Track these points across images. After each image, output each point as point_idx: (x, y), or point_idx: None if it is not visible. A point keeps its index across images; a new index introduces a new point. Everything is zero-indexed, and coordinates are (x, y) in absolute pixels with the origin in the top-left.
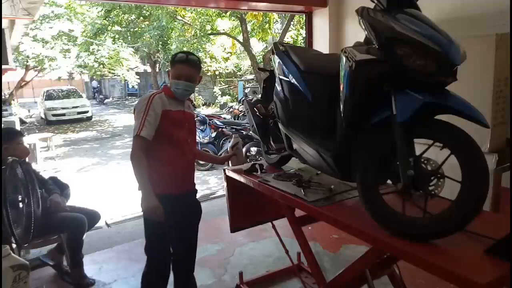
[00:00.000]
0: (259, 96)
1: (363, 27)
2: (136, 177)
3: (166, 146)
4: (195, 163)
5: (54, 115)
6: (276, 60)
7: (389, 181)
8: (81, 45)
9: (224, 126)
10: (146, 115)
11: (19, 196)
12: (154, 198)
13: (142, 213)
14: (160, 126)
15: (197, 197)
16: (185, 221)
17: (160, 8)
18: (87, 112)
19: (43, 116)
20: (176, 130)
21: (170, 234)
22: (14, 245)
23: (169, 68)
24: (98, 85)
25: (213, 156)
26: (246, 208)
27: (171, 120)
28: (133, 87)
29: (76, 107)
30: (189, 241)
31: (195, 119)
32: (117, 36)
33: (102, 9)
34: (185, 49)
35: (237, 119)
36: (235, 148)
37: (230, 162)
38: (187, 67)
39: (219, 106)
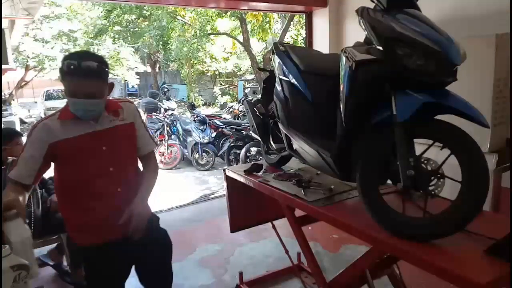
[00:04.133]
0: (259, 96)
1: (363, 27)
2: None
3: (73, 189)
4: (195, 163)
5: None
6: (276, 60)
7: (389, 181)
8: (82, 45)
9: (224, 126)
10: (23, 150)
11: None
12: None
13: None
14: (58, 163)
15: (155, 227)
16: (145, 265)
17: (160, 8)
18: None
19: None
20: (80, 163)
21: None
22: None
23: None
24: None
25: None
26: (246, 208)
27: (68, 153)
28: (133, 87)
29: None
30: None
31: (195, 119)
32: (117, 36)
33: (103, 10)
34: (185, 49)
35: (237, 119)
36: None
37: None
38: (83, 79)
39: (219, 106)
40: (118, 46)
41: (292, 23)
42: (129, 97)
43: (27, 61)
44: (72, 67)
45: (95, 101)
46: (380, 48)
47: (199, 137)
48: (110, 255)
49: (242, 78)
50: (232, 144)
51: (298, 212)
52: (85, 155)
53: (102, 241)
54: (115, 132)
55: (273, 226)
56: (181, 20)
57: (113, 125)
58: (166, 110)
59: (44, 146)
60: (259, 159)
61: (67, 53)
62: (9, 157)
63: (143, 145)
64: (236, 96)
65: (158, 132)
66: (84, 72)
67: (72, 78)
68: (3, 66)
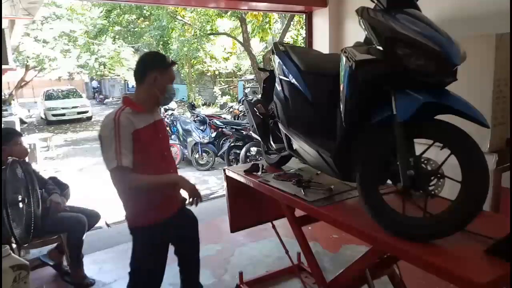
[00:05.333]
0: (259, 96)
1: (363, 27)
2: (149, 187)
3: (142, 172)
4: (196, 163)
5: (54, 115)
6: (276, 60)
7: (389, 181)
8: (82, 46)
9: (224, 126)
10: (119, 141)
11: (19, 196)
12: (178, 178)
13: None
14: (133, 151)
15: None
16: (186, 239)
17: (160, 8)
18: (87, 112)
19: (43, 116)
20: (149, 150)
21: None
22: (14, 245)
23: (154, 73)
24: (98, 85)
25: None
26: (246, 208)
27: (142, 141)
28: (133, 86)
29: (76, 107)
30: (194, 258)
31: (195, 119)
32: (117, 36)
33: (103, 10)
34: (185, 49)
35: (237, 119)
36: None
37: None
38: (173, 69)
39: (219, 106)
40: (119, 46)
41: (292, 23)
42: None
43: (27, 61)
44: (169, 60)
45: None
46: (380, 48)
47: (199, 137)
48: (166, 230)
49: (242, 78)
50: (232, 144)
51: (298, 212)
52: (151, 142)
53: (165, 216)
54: (161, 124)
55: (273, 226)
56: (181, 20)
57: (158, 118)
58: (166, 110)
59: (130, 135)
60: (259, 159)
61: (153, 51)
62: (9, 157)
63: None
64: (236, 96)
65: None
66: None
67: (171, 68)
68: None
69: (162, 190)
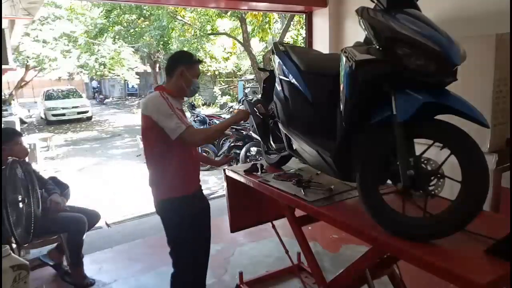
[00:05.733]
0: (259, 96)
1: (363, 27)
2: (217, 133)
3: (175, 147)
4: None
5: (54, 115)
6: (276, 60)
7: (389, 181)
8: (83, 46)
9: None
10: (176, 112)
11: (19, 196)
12: (237, 114)
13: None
14: None
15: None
16: (203, 218)
17: (160, 8)
18: (87, 112)
19: (43, 116)
20: None
21: (194, 234)
22: (14, 245)
23: (181, 68)
24: (98, 85)
25: (211, 159)
26: (246, 208)
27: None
28: (133, 87)
29: (76, 107)
30: (208, 239)
31: (195, 119)
32: (117, 36)
33: (103, 10)
34: (185, 49)
35: None
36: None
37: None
38: (199, 66)
39: (219, 106)
40: (119, 47)
41: (292, 23)
42: (129, 97)
43: (27, 61)
44: (196, 58)
45: None
46: (380, 48)
47: None
48: (196, 201)
49: (242, 78)
50: (232, 144)
51: (298, 212)
52: (183, 122)
53: (196, 187)
54: (183, 112)
55: (273, 226)
56: (181, 20)
57: (181, 107)
58: None
59: (176, 109)
60: (259, 159)
61: (182, 50)
62: (9, 157)
63: None
64: (236, 96)
65: None
66: (200, 62)
67: (197, 64)
68: (3, 66)
69: (192, 164)
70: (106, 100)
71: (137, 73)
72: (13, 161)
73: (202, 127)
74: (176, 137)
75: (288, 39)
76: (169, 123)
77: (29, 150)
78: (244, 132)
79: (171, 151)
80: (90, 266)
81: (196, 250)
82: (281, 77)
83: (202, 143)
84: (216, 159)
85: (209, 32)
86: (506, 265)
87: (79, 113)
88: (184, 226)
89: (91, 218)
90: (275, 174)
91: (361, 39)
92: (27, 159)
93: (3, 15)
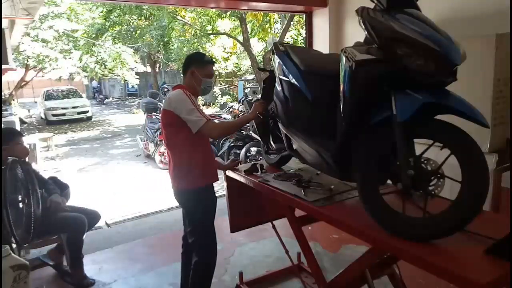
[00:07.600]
0: (259, 96)
1: (363, 27)
2: (235, 128)
3: (197, 139)
4: None
5: (54, 115)
6: (276, 60)
7: (389, 181)
8: (83, 46)
9: None
10: (197, 107)
11: (19, 196)
12: (254, 108)
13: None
14: None
15: None
16: (215, 206)
17: (160, 8)
18: (87, 112)
19: (43, 116)
20: None
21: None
22: (14, 245)
23: (192, 68)
24: (98, 85)
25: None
26: (246, 208)
27: None
28: (132, 87)
29: (76, 107)
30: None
31: None
32: (117, 36)
33: (103, 10)
34: (185, 49)
35: None
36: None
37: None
38: (212, 67)
39: (219, 106)
40: (120, 47)
41: (292, 23)
42: (129, 97)
43: (27, 61)
44: (209, 59)
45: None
46: (380, 48)
47: None
48: (213, 192)
49: (242, 78)
50: (232, 144)
51: (298, 212)
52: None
53: (213, 180)
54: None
55: (273, 226)
56: (182, 20)
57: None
58: None
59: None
60: (259, 159)
61: (197, 52)
62: (9, 157)
63: None
64: (236, 96)
65: (158, 132)
66: (213, 63)
67: (211, 65)
68: (3, 66)
69: (211, 156)
70: (106, 100)
71: (137, 73)
72: (13, 161)
73: None
74: (197, 129)
75: (288, 39)
76: (191, 116)
77: (29, 150)
78: (244, 132)
79: (194, 144)
80: (90, 266)
81: (215, 236)
82: (281, 77)
83: (219, 136)
84: (216, 158)
85: (209, 32)
86: (506, 265)
87: (79, 113)
88: (208, 213)
89: (91, 218)
90: (275, 174)
91: (361, 39)
92: (27, 159)
93: (3, 15)
